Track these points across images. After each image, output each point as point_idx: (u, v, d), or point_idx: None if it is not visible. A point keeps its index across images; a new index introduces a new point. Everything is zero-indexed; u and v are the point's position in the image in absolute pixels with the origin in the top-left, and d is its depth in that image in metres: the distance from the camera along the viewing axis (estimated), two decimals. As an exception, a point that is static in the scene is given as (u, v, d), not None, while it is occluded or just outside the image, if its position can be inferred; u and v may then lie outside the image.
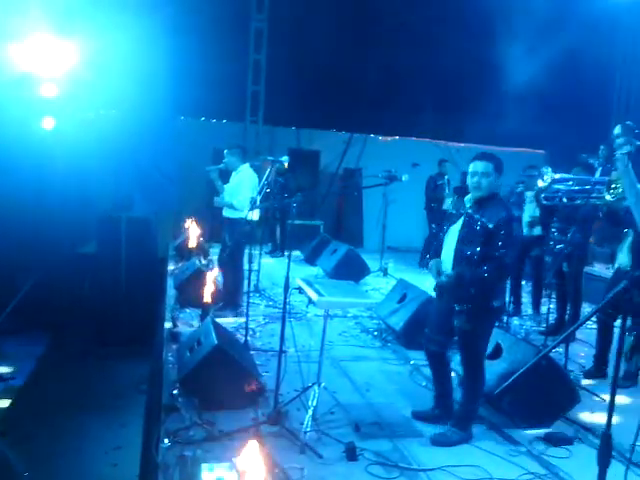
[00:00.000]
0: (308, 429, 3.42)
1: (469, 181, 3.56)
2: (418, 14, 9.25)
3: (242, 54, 11.02)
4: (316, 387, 3.65)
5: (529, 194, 6.37)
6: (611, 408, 2.00)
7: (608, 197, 3.96)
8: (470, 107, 10.02)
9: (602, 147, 6.06)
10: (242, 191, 5.91)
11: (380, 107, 10.24)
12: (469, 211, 3.57)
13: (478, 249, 3.43)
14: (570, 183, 4.83)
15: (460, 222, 3.59)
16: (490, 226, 3.41)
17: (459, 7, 9.51)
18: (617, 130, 2.42)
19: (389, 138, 11.78)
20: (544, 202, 5.10)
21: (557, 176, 4.69)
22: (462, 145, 11.19)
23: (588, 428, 3.83)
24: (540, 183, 4.73)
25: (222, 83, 10.06)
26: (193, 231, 8.21)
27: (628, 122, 2.47)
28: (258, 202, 5.49)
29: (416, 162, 10.25)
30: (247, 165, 6.14)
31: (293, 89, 10.12)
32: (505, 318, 5.82)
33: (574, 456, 3.49)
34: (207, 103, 10.53)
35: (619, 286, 1.82)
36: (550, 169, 4.73)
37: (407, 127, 11.13)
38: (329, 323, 3.89)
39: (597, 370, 4.83)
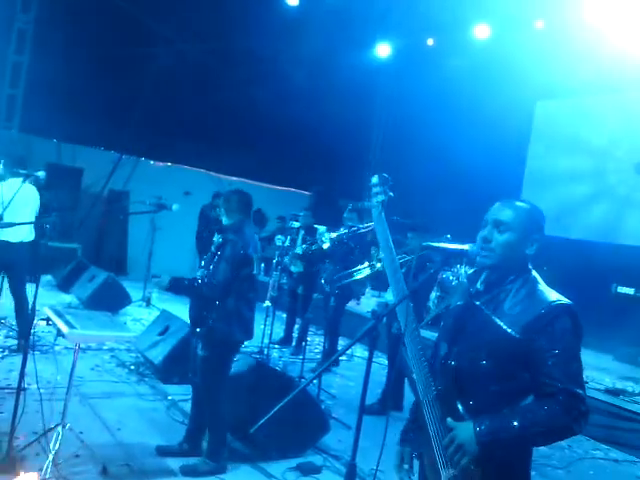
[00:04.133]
0: (47, 476, 3.06)
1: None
2: (196, 44, 9.28)
3: (1, 55, 9.90)
4: (60, 428, 3.29)
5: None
6: (357, 437, 2.10)
7: (378, 265, 4.40)
8: (244, 144, 10.29)
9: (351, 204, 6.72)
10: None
11: (154, 131, 9.93)
12: (217, 238, 3.81)
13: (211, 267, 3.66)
14: (343, 229, 5.23)
15: (212, 248, 3.77)
16: (213, 249, 3.69)
17: (239, 45, 9.78)
18: (374, 180, 2.60)
19: (161, 163, 11.49)
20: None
21: (334, 235, 5.03)
22: (234, 179, 11.38)
23: (335, 456, 4.07)
24: (324, 246, 5.03)
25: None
26: None
27: (384, 174, 2.68)
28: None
29: (188, 191, 10.14)
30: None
31: (58, 99, 9.28)
32: (266, 350, 5.98)
33: (322, 485, 3.66)
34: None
35: (367, 325, 1.96)
36: (326, 233, 5.04)
37: (181, 155, 10.96)
38: (81, 356, 3.56)
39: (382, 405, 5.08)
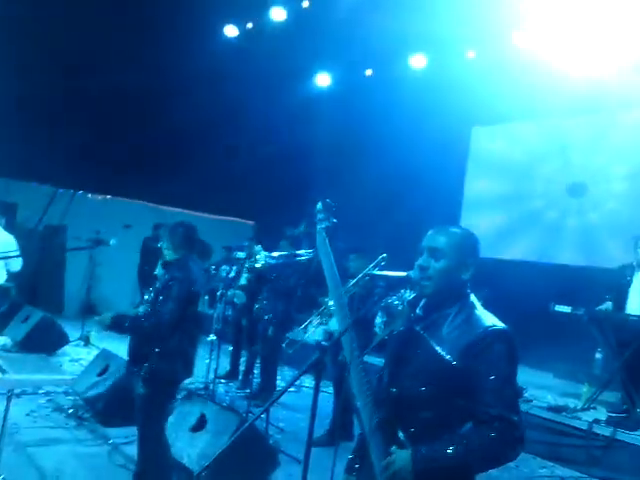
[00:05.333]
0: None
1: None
2: (132, 74, 9.11)
3: None
4: (-10, 482, 3.09)
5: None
6: (305, 471, 2.05)
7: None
8: (184, 174, 10.16)
9: (303, 223, 6.69)
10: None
11: (90, 163, 9.65)
12: (159, 273, 3.76)
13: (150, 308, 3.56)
14: (279, 258, 5.21)
15: (158, 284, 3.68)
16: (158, 285, 3.60)
17: (177, 75, 9.71)
18: (319, 206, 2.63)
19: (99, 196, 11.20)
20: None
21: (271, 255, 5.01)
22: (176, 209, 11.21)
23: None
24: (258, 265, 4.98)
25: None
26: None
27: (328, 200, 2.70)
28: None
29: (128, 223, 9.92)
30: None
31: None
32: (211, 385, 5.82)
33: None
34: None
35: (313, 357, 1.93)
36: (262, 252, 5.02)
37: (119, 187, 10.71)
38: (15, 402, 3.37)
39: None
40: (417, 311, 2.07)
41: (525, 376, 7.03)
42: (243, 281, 6.67)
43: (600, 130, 8.42)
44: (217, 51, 9.73)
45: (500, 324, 1.93)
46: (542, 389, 6.65)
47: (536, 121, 9.08)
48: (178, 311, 3.49)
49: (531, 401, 5.98)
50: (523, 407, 5.70)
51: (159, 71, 9.46)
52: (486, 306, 2.04)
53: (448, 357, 1.88)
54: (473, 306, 2.00)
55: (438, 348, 1.91)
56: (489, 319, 1.94)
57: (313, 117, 10.83)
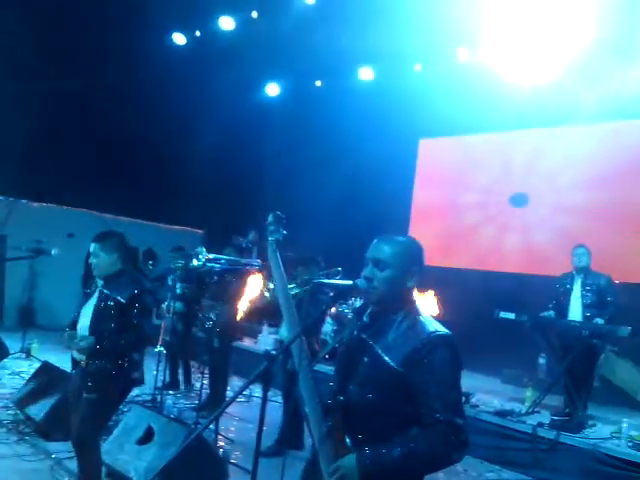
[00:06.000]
0: None
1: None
2: (78, 80, 8.91)
3: None
4: None
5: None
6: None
7: (266, 294, 4.38)
8: (131, 182, 9.96)
9: (252, 232, 6.67)
10: None
11: (32, 170, 9.35)
12: (101, 288, 3.55)
13: (113, 325, 3.41)
14: (223, 262, 5.15)
15: (95, 297, 3.55)
16: (123, 301, 3.45)
17: (123, 82, 9.53)
18: (270, 218, 2.65)
19: (42, 204, 10.83)
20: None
21: (211, 256, 4.94)
22: (123, 218, 10.97)
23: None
24: (195, 262, 4.90)
25: None
26: None
27: (278, 212, 2.71)
28: None
29: (72, 232, 9.62)
30: None
31: None
32: (159, 397, 5.70)
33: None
34: None
35: (261, 366, 1.92)
36: (204, 249, 4.95)
37: (62, 195, 10.40)
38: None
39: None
40: (364, 319, 2.09)
41: (473, 382, 7.19)
42: (178, 290, 6.52)
43: (542, 142, 8.74)
44: (165, 59, 9.60)
45: (443, 329, 1.97)
46: (489, 394, 6.80)
47: (481, 133, 9.34)
48: (144, 325, 3.49)
49: (478, 406, 6.10)
50: (470, 412, 5.82)
51: (105, 77, 9.27)
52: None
53: (393, 364, 1.91)
54: (418, 313, 2.03)
55: (384, 355, 1.94)
56: (432, 325, 1.98)
57: (263, 126, 10.84)
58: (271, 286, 4.37)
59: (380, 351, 1.95)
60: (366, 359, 1.98)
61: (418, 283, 2.09)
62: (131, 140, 9.90)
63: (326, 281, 2.10)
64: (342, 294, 2.39)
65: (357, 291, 2.07)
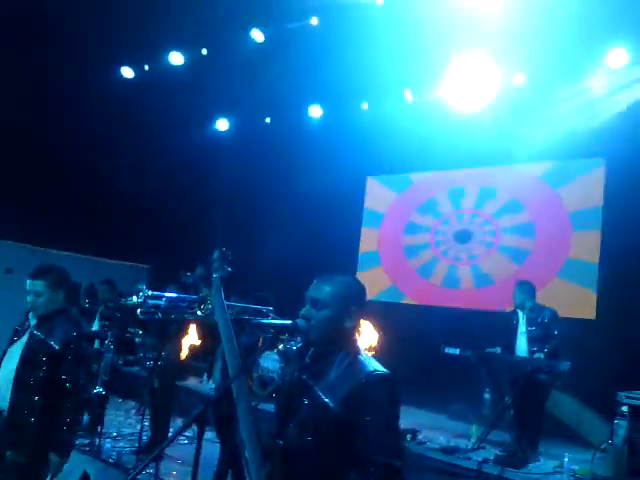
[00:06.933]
0: None
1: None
2: (21, 110, 8.66)
3: None
4: None
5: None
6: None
7: (199, 313, 4.25)
8: (76, 215, 9.72)
9: (199, 267, 6.55)
10: None
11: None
12: (32, 329, 3.23)
13: (42, 374, 3.08)
14: (164, 299, 5.02)
15: (25, 338, 3.22)
16: (56, 347, 3.14)
17: (68, 111, 9.35)
18: (215, 255, 2.63)
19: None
20: (140, 317, 5.16)
21: (150, 293, 4.81)
22: (64, 253, 10.63)
23: None
24: (134, 299, 4.76)
25: None
26: None
27: (224, 249, 2.69)
28: None
29: (10, 267, 9.25)
30: None
31: None
32: (97, 441, 5.45)
33: None
34: None
35: (199, 408, 1.87)
36: (144, 286, 4.83)
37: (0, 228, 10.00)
38: None
39: None
40: (306, 359, 2.06)
41: (420, 418, 7.20)
42: (95, 327, 6.24)
43: (484, 180, 9.03)
44: (113, 92, 9.50)
45: (382, 369, 1.95)
46: (436, 430, 6.81)
47: (426, 171, 9.57)
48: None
49: (425, 443, 6.09)
50: (417, 449, 5.80)
51: (50, 109, 9.09)
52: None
53: (332, 405, 1.88)
54: (358, 352, 2.01)
55: (323, 396, 1.90)
56: (371, 365, 1.96)
57: (212, 161, 10.80)
58: (205, 304, 4.24)
59: (320, 392, 1.92)
60: (306, 401, 1.94)
61: (358, 323, 2.08)
62: (75, 172, 9.69)
63: (265, 321, 2.07)
64: (282, 333, 2.36)
65: (297, 331, 2.05)
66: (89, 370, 3.18)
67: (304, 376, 2.02)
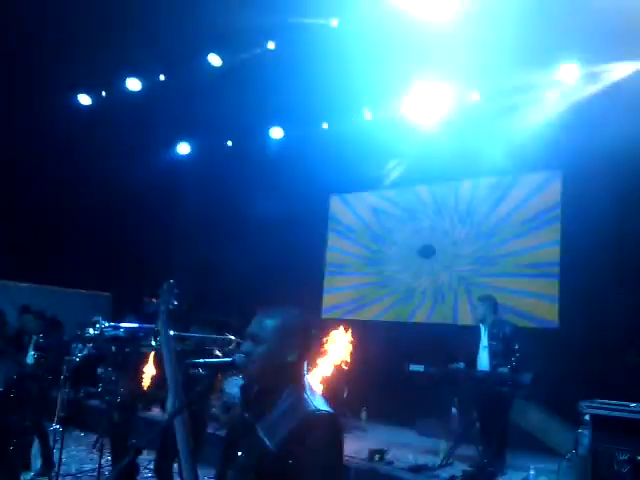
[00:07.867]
0: None
1: None
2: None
3: None
4: None
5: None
6: None
7: (154, 343, 4.18)
8: (33, 244, 9.52)
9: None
10: None
11: None
12: None
13: None
14: (122, 330, 4.92)
15: None
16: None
17: (27, 140, 9.19)
18: (163, 287, 2.61)
19: None
20: (93, 351, 5.06)
21: (107, 324, 4.73)
22: (24, 284, 10.39)
23: None
24: (91, 331, 4.66)
25: None
26: None
27: (171, 281, 2.65)
28: None
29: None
30: None
31: None
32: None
33: None
34: None
35: (125, 459, 1.80)
36: (100, 317, 4.74)
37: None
38: None
39: None
40: (250, 397, 1.98)
41: (388, 436, 7.18)
42: (30, 360, 5.87)
43: (444, 196, 9.12)
44: (69, 118, 9.39)
45: (324, 408, 1.87)
46: (405, 448, 6.77)
47: (387, 189, 9.63)
48: None
49: (393, 462, 6.05)
50: (385, 470, 5.77)
51: (4, 137, 8.93)
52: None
53: (272, 446, 1.79)
54: (303, 389, 1.93)
55: (263, 437, 1.82)
56: (315, 403, 1.88)
57: (173, 185, 10.71)
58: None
59: (261, 432, 1.84)
60: (247, 440, 1.87)
61: (304, 357, 2.00)
62: (33, 200, 9.53)
63: (201, 360, 2.02)
64: (222, 371, 2.30)
65: (235, 368, 1.98)
66: (36, 409, 3.04)
67: (246, 414, 1.94)
